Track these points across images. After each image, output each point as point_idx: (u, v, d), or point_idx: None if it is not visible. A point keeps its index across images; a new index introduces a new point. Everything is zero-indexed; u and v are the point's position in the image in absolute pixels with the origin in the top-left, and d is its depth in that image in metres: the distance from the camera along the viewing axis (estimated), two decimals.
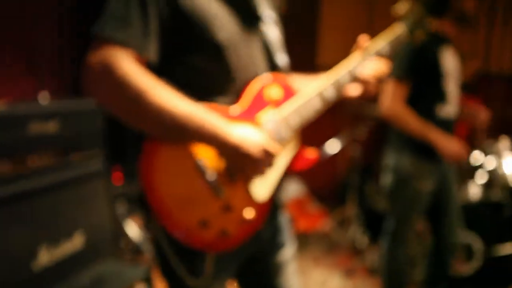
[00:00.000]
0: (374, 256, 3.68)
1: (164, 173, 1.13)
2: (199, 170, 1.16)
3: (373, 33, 1.51)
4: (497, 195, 3.25)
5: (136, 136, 1.21)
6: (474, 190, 3.37)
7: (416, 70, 2.41)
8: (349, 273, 3.53)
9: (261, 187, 1.29)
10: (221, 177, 1.19)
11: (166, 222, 1.15)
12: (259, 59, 1.31)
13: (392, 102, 2.43)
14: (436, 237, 2.75)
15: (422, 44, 2.30)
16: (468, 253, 3.16)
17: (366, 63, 1.40)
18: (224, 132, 1.13)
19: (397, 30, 1.50)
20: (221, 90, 1.22)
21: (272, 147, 1.20)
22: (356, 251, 3.91)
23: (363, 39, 1.41)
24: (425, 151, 2.47)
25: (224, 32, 1.17)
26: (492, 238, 3.17)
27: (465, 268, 3.19)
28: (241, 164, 1.17)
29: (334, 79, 1.37)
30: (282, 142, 1.30)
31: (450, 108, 2.52)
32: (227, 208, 1.21)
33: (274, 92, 1.30)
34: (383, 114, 2.48)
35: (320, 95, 1.35)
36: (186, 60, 1.17)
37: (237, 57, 1.21)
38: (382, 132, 2.87)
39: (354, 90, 1.42)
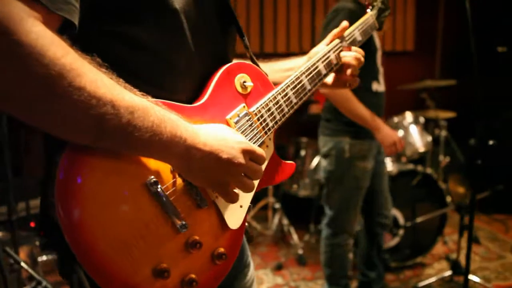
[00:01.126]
0: (301, 244, 3.64)
1: (95, 201, 0.78)
2: (152, 195, 0.84)
3: None
4: (407, 165, 3.40)
5: (48, 143, 0.85)
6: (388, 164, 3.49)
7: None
8: (277, 267, 3.43)
9: (235, 209, 1.01)
10: (183, 203, 0.90)
11: (99, 278, 0.79)
12: (222, 42, 1.05)
13: None
14: (369, 215, 2.78)
15: (357, 14, 2.28)
16: (393, 225, 3.26)
17: (340, 50, 1.29)
18: (194, 135, 0.85)
19: (366, 16, 1.44)
20: (175, 81, 0.95)
21: (258, 149, 0.94)
22: (281, 242, 3.83)
23: (339, 28, 1.30)
24: (362, 132, 2.48)
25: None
26: (409, 208, 3.33)
27: (390, 240, 3.29)
28: (220, 177, 0.89)
29: (310, 65, 1.19)
30: (260, 146, 1.06)
31: (381, 84, 2.56)
32: (193, 246, 0.91)
33: (246, 84, 1.05)
34: (324, 92, 2.38)
35: (299, 84, 1.15)
36: (125, 32, 0.86)
37: (196, 36, 0.96)
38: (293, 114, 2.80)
39: (330, 78, 1.30)
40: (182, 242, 0.90)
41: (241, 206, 1.03)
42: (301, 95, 1.16)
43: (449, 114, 3.94)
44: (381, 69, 2.58)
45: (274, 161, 1.14)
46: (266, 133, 1.08)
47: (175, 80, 0.95)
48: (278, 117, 1.10)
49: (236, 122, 1.01)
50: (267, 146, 1.11)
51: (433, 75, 4.97)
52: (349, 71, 1.28)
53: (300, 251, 3.56)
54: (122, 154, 0.81)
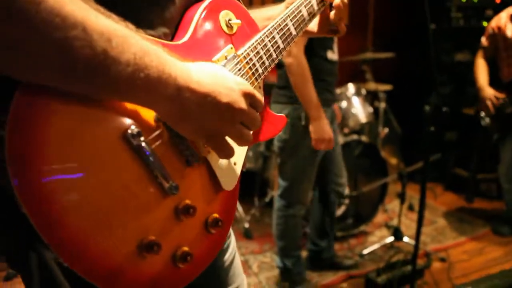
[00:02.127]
0: (247, 218, 3.60)
1: (60, 159, 0.61)
2: (133, 149, 0.69)
3: None
4: (352, 136, 3.49)
5: None
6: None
7: None
8: None
9: (228, 167, 0.90)
10: (171, 160, 0.76)
11: (73, 260, 0.63)
12: None
13: (297, 50, 2.27)
14: (324, 183, 2.80)
15: None
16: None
17: None
18: (186, 73, 0.70)
19: None
20: (151, 13, 0.80)
21: (258, 93, 0.81)
22: None
23: None
24: (319, 99, 2.43)
25: None
26: (352, 178, 3.43)
27: (338, 210, 3.38)
28: (216, 126, 0.75)
29: (294, 9, 1.11)
30: None
31: (335, 53, 2.56)
32: (186, 212, 0.78)
33: (232, 22, 0.93)
34: (287, 60, 2.30)
35: (285, 28, 1.06)
36: None
37: None
38: None
39: (314, 25, 1.23)
40: (171, 207, 0.76)
41: (235, 164, 0.92)
42: (288, 40, 1.07)
43: (387, 87, 4.09)
44: (335, 38, 2.57)
45: (265, 114, 1.03)
46: (256, 79, 0.97)
47: (152, 12, 0.80)
48: (267, 63, 1.00)
49: (224, 66, 0.88)
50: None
51: (366, 49, 5.13)
52: (332, 14, 1.19)
53: (246, 225, 3.53)
54: (92, 101, 0.65)
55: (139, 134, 0.69)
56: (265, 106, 1.02)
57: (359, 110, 3.61)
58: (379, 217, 3.78)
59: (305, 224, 3.19)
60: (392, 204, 4.08)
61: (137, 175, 0.70)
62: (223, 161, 0.89)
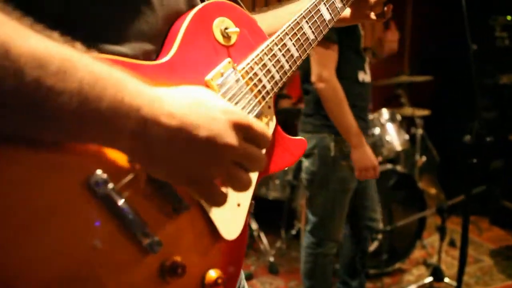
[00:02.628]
0: (272, 251, 3.42)
1: (6, 216, 0.49)
2: (99, 199, 0.56)
3: None
4: (386, 165, 3.29)
5: None
6: None
7: (343, 31, 2.16)
8: (247, 277, 3.19)
9: (230, 210, 0.74)
10: (152, 209, 0.63)
11: None
12: None
13: (329, 73, 2.12)
14: (356, 218, 2.61)
15: None
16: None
17: None
18: (154, 101, 0.56)
19: None
20: (124, 26, 0.66)
21: (256, 122, 0.63)
22: (250, 248, 3.60)
23: None
24: None
25: None
26: (386, 210, 3.21)
27: (369, 245, 3.15)
28: (197, 168, 0.59)
29: (311, 7, 0.94)
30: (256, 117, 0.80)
31: (367, 74, 2.40)
32: (173, 272, 0.64)
33: (229, 30, 0.77)
34: (319, 85, 2.14)
35: (299, 31, 0.89)
36: None
37: None
38: None
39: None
40: (155, 268, 0.62)
41: (238, 205, 0.77)
42: (304, 46, 0.90)
43: (425, 112, 3.87)
44: (367, 58, 2.42)
45: (278, 139, 0.87)
46: (263, 98, 0.81)
47: (122, 27, 0.66)
48: (277, 76, 0.84)
49: (220, 85, 0.74)
50: (266, 117, 0.83)
51: (402, 72, 4.93)
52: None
53: (271, 259, 3.35)
54: (47, 144, 0.53)
55: (105, 181, 0.57)
56: (278, 130, 0.87)
57: (394, 138, 3.40)
58: (417, 254, 3.51)
59: (334, 260, 2.98)
60: (431, 239, 3.79)
61: (107, 232, 0.57)
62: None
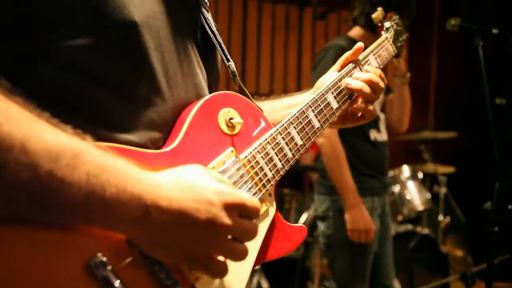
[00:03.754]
0: None
1: None
2: (98, 281, 0.60)
3: None
4: (406, 226, 3.19)
5: None
6: None
7: None
8: None
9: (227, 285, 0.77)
10: None
11: None
12: (199, 69, 0.85)
13: (329, 129, 2.12)
14: (369, 284, 2.50)
15: (346, 51, 2.15)
16: None
17: (354, 73, 1.09)
18: (154, 188, 0.62)
19: (381, 38, 1.29)
20: (131, 118, 0.73)
21: (248, 199, 0.70)
22: None
23: (352, 50, 1.13)
24: (362, 188, 2.24)
25: (140, 9, 0.71)
26: (407, 274, 3.08)
27: None
28: (197, 247, 0.66)
29: (318, 97, 0.99)
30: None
31: (382, 133, 2.37)
32: None
33: (234, 121, 0.83)
34: (318, 140, 2.15)
35: (304, 120, 0.95)
36: (54, 53, 0.65)
37: (163, 59, 0.76)
38: None
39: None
40: None
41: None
42: (309, 134, 0.95)
43: (448, 169, 3.77)
44: (381, 116, 2.40)
45: (278, 226, 0.90)
46: (264, 186, 0.86)
47: (132, 117, 0.73)
48: (279, 165, 0.89)
49: (222, 172, 0.79)
50: (266, 204, 0.88)
51: (427, 127, 4.87)
52: (360, 100, 1.07)
53: None
54: (51, 227, 0.58)
55: (103, 264, 0.61)
56: (277, 217, 0.91)
57: (415, 196, 3.33)
58: None
59: None
60: None
61: None
62: (217, 285, 0.76)
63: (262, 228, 0.86)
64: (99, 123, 0.68)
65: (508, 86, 4.30)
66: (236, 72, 0.92)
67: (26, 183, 0.52)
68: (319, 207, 2.38)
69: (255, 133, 0.88)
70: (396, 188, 3.32)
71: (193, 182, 0.67)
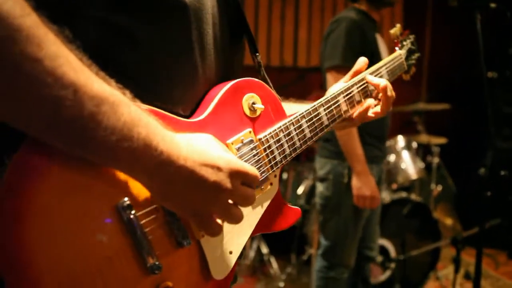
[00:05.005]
0: (282, 276, 3.47)
1: (48, 220, 0.64)
2: (122, 222, 0.72)
3: None
4: (401, 193, 3.34)
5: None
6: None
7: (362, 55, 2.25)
8: None
9: (223, 255, 0.88)
10: (160, 238, 0.77)
11: None
12: (230, 54, 0.95)
13: None
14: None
15: (360, 27, 2.25)
16: (383, 258, 3.16)
17: (365, 86, 1.19)
18: (174, 148, 0.71)
19: (395, 54, 1.38)
20: (171, 89, 0.84)
21: (251, 169, 0.80)
22: (259, 272, 3.65)
23: (357, 65, 1.22)
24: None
25: None
26: (400, 239, 3.24)
27: (381, 274, 3.19)
28: (201, 205, 0.76)
29: (330, 98, 1.10)
30: (260, 182, 0.95)
31: None
32: None
33: (256, 106, 0.94)
34: None
35: (316, 117, 1.05)
36: (117, 23, 0.75)
37: (202, 41, 0.86)
38: None
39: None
40: (151, 287, 0.76)
41: (230, 252, 0.91)
42: (317, 129, 1.06)
43: (441, 140, 3.93)
44: None
45: (277, 204, 1.01)
46: (272, 167, 0.97)
47: (172, 88, 0.84)
48: (287, 151, 1.00)
49: (238, 149, 0.91)
50: (271, 183, 0.99)
51: (421, 99, 5.01)
52: (379, 107, 1.16)
53: (281, 284, 3.40)
54: (93, 165, 0.68)
55: (129, 207, 0.72)
56: (278, 197, 1.01)
57: (409, 165, 3.47)
58: (430, 285, 3.53)
59: None
60: (446, 271, 3.81)
61: (121, 248, 0.72)
62: (217, 248, 0.88)
63: (265, 203, 0.98)
64: (144, 89, 0.77)
65: (499, 60, 4.43)
66: (262, 63, 1.03)
67: (71, 119, 0.60)
68: (320, 169, 2.49)
69: (272, 119, 0.98)
70: (392, 158, 3.47)
71: (207, 149, 0.77)
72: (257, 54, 1.04)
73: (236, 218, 0.80)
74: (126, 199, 0.72)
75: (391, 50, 1.41)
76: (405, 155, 3.51)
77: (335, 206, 2.43)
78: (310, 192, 3.62)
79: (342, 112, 1.12)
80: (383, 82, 1.14)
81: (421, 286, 3.35)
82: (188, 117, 0.86)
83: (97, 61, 0.67)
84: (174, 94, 0.84)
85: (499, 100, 4.38)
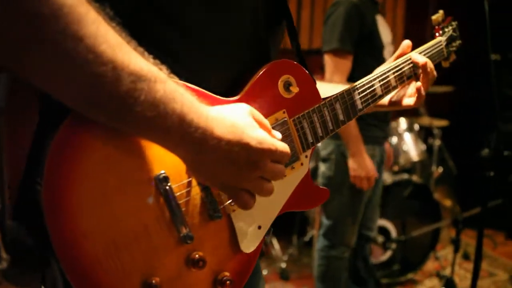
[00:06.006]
0: (284, 257, 3.54)
1: (92, 187, 0.71)
2: (159, 192, 0.77)
3: None
4: (402, 175, 3.39)
5: (45, 107, 0.75)
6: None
7: (358, 40, 2.29)
8: None
9: (251, 229, 0.92)
10: (193, 210, 0.82)
11: (77, 280, 0.71)
12: (267, 36, 0.97)
13: (338, 79, 2.26)
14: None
15: (359, 10, 2.25)
16: (384, 239, 3.22)
17: (401, 72, 1.20)
18: (210, 125, 0.74)
19: (435, 40, 1.38)
20: (209, 67, 0.87)
21: (282, 147, 0.82)
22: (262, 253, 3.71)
23: (400, 50, 1.23)
24: (366, 135, 2.39)
25: None
26: (401, 220, 3.31)
27: (381, 254, 3.25)
28: (234, 180, 0.78)
29: (366, 82, 1.12)
30: (290, 163, 0.97)
31: None
32: (195, 263, 0.82)
33: (291, 87, 0.96)
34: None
35: (350, 100, 1.07)
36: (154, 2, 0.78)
37: (242, 20, 0.89)
38: None
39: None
40: (183, 256, 0.81)
41: (259, 227, 0.94)
42: (350, 112, 1.08)
43: (443, 123, 3.97)
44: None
45: (306, 184, 1.03)
46: (303, 148, 0.99)
47: (204, 65, 0.86)
48: (320, 133, 1.01)
49: (272, 128, 0.91)
50: (301, 164, 1.00)
51: None
52: (417, 86, 1.17)
53: (283, 265, 3.47)
54: (134, 139, 0.74)
55: (165, 179, 0.77)
56: (307, 177, 1.03)
57: (411, 147, 3.52)
58: (430, 265, 3.61)
59: None
60: (445, 251, 3.89)
61: (157, 217, 0.77)
62: (247, 222, 0.91)
63: (295, 182, 0.99)
64: (183, 66, 0.80)
65: (501, 42, 4.44)
66: (300, 47, 1.05)
67: (110, 94, 0.63)
68: (323, 149, 2.53)
69: (306, 101, 0.99)
70: (394, 139, 3.51)
71: (242, 126, 0.77)
72: (296, 37, 1.05)
73: (266, 192, 0.82)
74: (163, 171, 0.76)
75: (430, 38, 1.41)
76: (407, 137, 3.56)
77: (337, 185, 2.47)
78: (313, 173, 3.67)
79: (377, 96, 1.13)
80: (423, 59, 1.16)
81: (420, 266, 3.42)
82: (225, 96, 0.88)
83: (135, 36, 0.69)
84: (209, 73, 0.87)
85: (502, 82, 4.41)
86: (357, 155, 2.32)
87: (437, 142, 3.93)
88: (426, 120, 3.95)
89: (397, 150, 3.49)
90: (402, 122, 3.57)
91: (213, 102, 0.82)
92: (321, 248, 2.59)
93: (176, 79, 0.76)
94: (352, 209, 2.51)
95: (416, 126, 3.59)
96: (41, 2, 0.57)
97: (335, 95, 1.04)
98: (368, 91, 1.11)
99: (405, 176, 3.37)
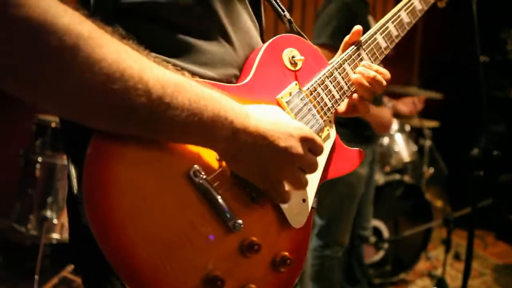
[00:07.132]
0: None
1: (129, 197, 0.71)
2: (196, 187, 0.78)
3: None
4: (394, 175, 3.44)
5: (70, 129, 0.78)
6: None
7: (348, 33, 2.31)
8: None
9: (297, 204, 0.93)
10: (235, 197, 0.83)
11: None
12: (258, 19, 1.02)
13: None
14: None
15: (350, 10, 2.28)
16: (376, 239, 3.27)
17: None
18: (243, 116, 0.77)
19: None
20: (213, 57, 0.88)
21: (318, 138, 0.86)
22: None
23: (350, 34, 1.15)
24: (357, 135, 2.44)
25: None
26: (393, 220, 3.35)
27: (374, 254, 3.30)
28: (272, 170, 0.81)
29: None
30: (316, 131, 0.99)
31: None
32: (250, 248, 0.83)
33: (296, 58, 0.98)
34: None
35: (357, 58, 1.08)
36: (147, 7, 0.82)
37: (227, 8, 0.92)
38: None
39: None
40: (236, 244, 0.82)
41: (304, 200, 0.96)
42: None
43: (433, 124, 4.03)
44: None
45: (338, 149, 1.06)
46: (325, 113, 1.01)
47: (209, 57, 0.88)
48: (337, 96, 1.03)
49: (288, 102, 0.94)
50: (328, 129, 1.03)
51: (411, 82, 5.09)
52: (356, 95, 1.08)
53: None
54: (155, 142, 0.74)
55: (200, 172, 0.77)
56: (338, 141, 1.05)
57: (402, 148, 3.57)
58: (421, 265, 3.67)
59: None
60: (436, 252, 3.95)
61: (200, 211, 0.78)
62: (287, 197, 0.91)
63: (326, 149, 1.00)
64: (187, 62, 0.84)
65: (490, 45, 4.53)
66: (293, 20, 1.07)
67: (142, 106, 0.65)
68: None
69: (314, 69, 1.01)
70: (385, 140, 3.56)
71: (277, 117, 0.82)
72: (285, 12, 1.07)
73: (302, 184, 0.85)
74: (195, 166, 0.77)
75: None
76: (399, 138, 3.60)
77: (330, 184, 2.47)
78: None
79: (383, 49, 1.14)
80: (361, 77, 1.06)
81: (412, 266, 3.47)
82: (234, 83, 0.91)
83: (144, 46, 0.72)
84: (214, 63, 0.88)
85: (490, 84, 4.49)
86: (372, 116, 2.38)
87: (428, 143, 3.99)
88: (417, 121, 4.00)
89: (389, 151, 3.54)
90: (394, 123, 3.61)
91: (228, 91, 0.83)
92: (315, 248, 2.62)
93: (198, 79, 0.79)
94: (345, 207, 2.55)
95: (407, 127, 3.64)
96: (62, 34, 0.57)
97: (342, 57, 1.06)
98: (373, 45, 1.12)
99: (397, 176, 3.42)
